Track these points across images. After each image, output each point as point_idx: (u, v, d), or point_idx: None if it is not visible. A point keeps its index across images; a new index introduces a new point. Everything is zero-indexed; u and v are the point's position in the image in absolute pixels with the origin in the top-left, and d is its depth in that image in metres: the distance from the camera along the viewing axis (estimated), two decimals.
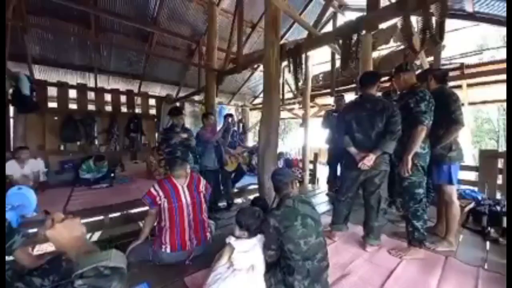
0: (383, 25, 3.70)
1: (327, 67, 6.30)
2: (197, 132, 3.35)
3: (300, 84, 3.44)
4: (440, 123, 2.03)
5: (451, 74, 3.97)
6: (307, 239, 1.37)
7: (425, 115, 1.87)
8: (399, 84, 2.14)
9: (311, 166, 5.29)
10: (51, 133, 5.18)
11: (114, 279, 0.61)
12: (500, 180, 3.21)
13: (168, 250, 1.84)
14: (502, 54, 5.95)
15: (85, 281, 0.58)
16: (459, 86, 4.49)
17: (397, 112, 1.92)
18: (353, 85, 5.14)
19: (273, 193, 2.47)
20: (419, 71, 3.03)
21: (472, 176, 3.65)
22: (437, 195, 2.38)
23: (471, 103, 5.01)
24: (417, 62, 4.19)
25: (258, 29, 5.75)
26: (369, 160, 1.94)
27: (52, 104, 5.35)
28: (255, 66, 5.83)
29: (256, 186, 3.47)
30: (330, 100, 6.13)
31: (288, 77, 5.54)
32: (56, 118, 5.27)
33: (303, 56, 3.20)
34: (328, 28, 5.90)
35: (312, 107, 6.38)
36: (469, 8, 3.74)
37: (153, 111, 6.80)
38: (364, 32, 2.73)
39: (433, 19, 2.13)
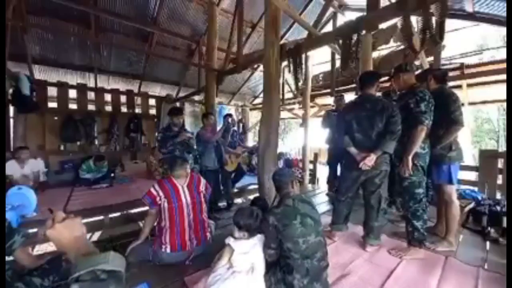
0: (383, 25, 3.69)
1: (327, 67, 6.30)
2: (197, 132, 3.35)
3: (300, 84, 3.44)
4: (440, 123, 2.03)
5: (451, 74, 3.98)
6: (305, 238, 1.37)
7: (425, 115, 1.87)
8: (398, 84, 2.14)
9: (311, 166, 5.29)
10: (51, 133, 5.18)
11: (110, 283, 0.59)
12: (500, 180, 3.21)
13: (168, 250, 1.84)
14: (502, 54, 5.95)
15: (81, 285, 0.57)
16: (459, 86, 4.49)
17: (397, 112, 1.92)
18: (353, 85, 5.14)
19: (273, 193, 2.48)
20: (419, 71, 3.03)
21: (472, 176, 3.65)
22: (437, 195, 2.38)
23: (471, 103, 5.01)
24: (417, 62, 4.19)
25: (258, 29, 5.75)
26: (370, 160, 1.94)
27: (52, 104, 5.35)
28: (255, 66, 5.83)
29: (256, 186, 3.47)
30: (330, 100, 6.12)
31: (288, 77, 5.54)
32: (56, 118, 5.27)
33: (303, 56, 3.20)
34: (328, 28, 5.90)
35: (312, 107, 6.38)
36: (469, 8, 3.74)
37: (153, 111, 6.81)
38: (364, 32, 2.72)
39: (433, 19, 2.13)
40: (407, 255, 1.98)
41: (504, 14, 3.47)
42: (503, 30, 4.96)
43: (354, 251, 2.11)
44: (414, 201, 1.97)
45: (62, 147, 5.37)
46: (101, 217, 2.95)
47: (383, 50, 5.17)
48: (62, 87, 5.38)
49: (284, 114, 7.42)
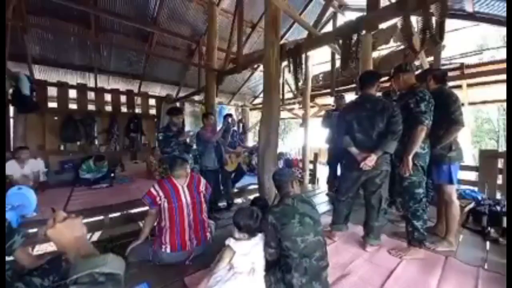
0: (383, 25, 3.69)
1: (327, 67, 6.30)
2: (197, 132, 3.35)
3: (300, 84, 3.45)
4: (440, 123, 2.02)
5: (451, 74, 3.99)
6: (304, 237, 1.37)
7: (425, 115, 1.87)
8: (398, 84, 2.14)
9: (311, 166, 5.28)
10: (51, 133, 5.18)
11: (108, 286, 0.59)
12: (500, 180, 3.21)
13: (168, 250, 1.84)
14: (502, 54, 5.95)
15: None
16: (459, 86, 4.49)
17: (398, 112, 1.92)
18: (353, 85, 5.14)
19: (273, 193, 2.48)
20: (419, 71, 3.03)
21: (472, 176, 3.64)
22: (437, 195, 2.38)
23: (471, 103, 5.01)
24: (417, 62, 4.19)
25: (258, 29, 5.75)
26: (370, 161, 1.94)
27: (52, 104, 5.35)
28: (255, 66, 5.83)
29: (256, 186, 3.47)
30: (330, 100, 6.12)
31: (288, 77, 5.54)
32: (56, 118, 5.27)
33: (303, 56, 3.20)
34: (328, 28, 5.90)
35: (312, 107, 6.38)
36: (469, 8, 3.74)
37: (153, 111, 6.81)
38: (364, 32, 2.72)
39: (433, 19, 2.13)
40: (407, 255, 1.98)
41: (504, 14, 3.47)
42: (503, 30, 4.96)
43: (354, 251, 2.11)
44: (414, 201, 1.96)
45: (62, 147, 5.37)
46: (101, 217, 2.95)
47: (383, 50, 5.17)
48: (62, 87, 5.38)
49: (284, 114, 7.42)
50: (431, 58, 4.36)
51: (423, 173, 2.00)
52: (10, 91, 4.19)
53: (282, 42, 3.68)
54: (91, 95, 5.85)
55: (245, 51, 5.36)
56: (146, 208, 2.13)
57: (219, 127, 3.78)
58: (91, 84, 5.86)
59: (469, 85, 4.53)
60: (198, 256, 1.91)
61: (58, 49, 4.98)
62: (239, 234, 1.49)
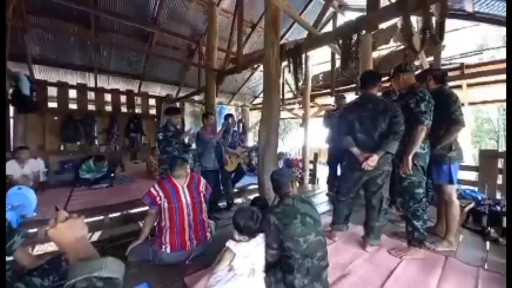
0: (383, 25, 3.69)
1: (327, 67, 6.30)
2: (197, 132, 3.35)
3: (300, 84, 3.45)
4: (440, 123, 2.02)
5: (451, 74, 3.99)
6: (306, 237, 1.37)
7: (425, 115, 1.87)
8: (398, 84, 2.14)
9: (311, 166, 5.28)
10: (51, 133, 5.18)
11: None
12: (500, 180, 3.21)
13: (168, 250, 1.84)
14: (502, 54, 5.95)
15: None
16: (459, 86, 4.49)
17: (400, 112, 1.91)
18: (353, 85, 5.14)
19: (273, 193, 2.47)
20: (419, 71, 3.03)
21: (472, 176, 3.64)
22: (437, 195, 2.38)
23: (471, 103, 5.01)
24: (417, 62, 4.19)
25: (258, 29, 5.75)
26: (372, 161, 1.93)
27: (52, 104, 5.35)
28: (255, 66, 5.83)
29: (256, 186, 3.47)
30: (330, 100, 6.12)
31: (288, 77, 5.54)
32: (56, 118, 5.27)
33: (303, 56, 3.21)
34: (328, 28, 5.90)
35: (312, 107, 6.38)
36: (469, 8, 3.74)
37: (153, 111, 6.81)
38: (364, 32, 2.72)
39: (433, 19, 2.13)
40: (407, 255, 1.97)
41: (504, 14, 3.47)
42: (503, 30, 4.96)
43: (354, 251, 2.11)
44: (414, 201, 1.96)
45: (62, 147, 5.37)
46: (101, 217, 2.95)
47: (383, 50, 5.17)
48: (62, 87, 5.38)
49: (284, 114, 7.42)
50: (431, 58, 4.37)
51: (423, 173, 2.00)
52: (10, 91, 4.19)
53: (282, 42, 3.68)
54: (91, 95, 5.85)
55: (245, 51, 5.36)
56: (146, 208, 2.13)
57: (219, 127, 3.78)
58: (91, 84, 5.86)
59: (469, 85, 4.53)
60: (198, 256, 1.91)
61: (58, 49, 4.98)
62: (239, 236, 1.47)
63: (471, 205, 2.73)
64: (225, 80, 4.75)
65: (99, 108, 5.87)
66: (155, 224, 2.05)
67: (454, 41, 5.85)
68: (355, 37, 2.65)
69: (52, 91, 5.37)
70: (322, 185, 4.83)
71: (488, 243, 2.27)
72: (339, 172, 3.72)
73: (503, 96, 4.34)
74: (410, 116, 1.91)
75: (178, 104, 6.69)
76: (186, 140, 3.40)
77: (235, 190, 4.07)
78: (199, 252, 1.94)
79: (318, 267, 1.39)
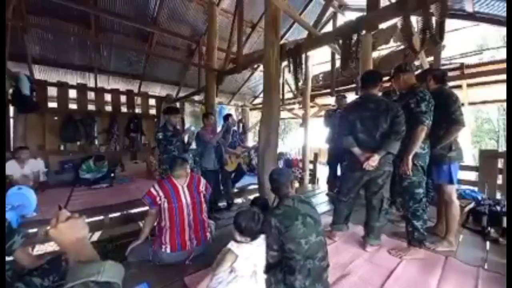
0: (383, 25, 3.70)
1: (327, 67, 6.30)
2: (197, 132, 3.35)
3: (300, 84, 3.45)
4: (440, 123, 2.02)
5: (451, 74, 3.99)
6: (307, 238, 1.36)
7: (425, 115, 1.87)
8: (398, 84, 2.14)
9: (311, 166, 5.29)
10: (51, 133, 5.18)
11: None
12: (500, 180, 3.21)
13: (168, 250, 1.84)
14: (502, 54, 5.95)
15: None
16: (459, 86, 4.49)
17: (401, 112, 1.91)
18: (353, 85, 5.14)
19: (273, 193, 2.47)
20: (419, 71, 3.03)
21: (472, 176, 3.64)
22: (437, 195, 2.38)
23: (471, 103, 5.01)
24: (417, 62, 4.19)
25: (258, 29, 5.75)
26: (373, 161, 1.93)
27: (52, 104, 5.35)
28: (255, 66, 5.83)
29: (256, 186, 3.47)
30: (330, 100, 6.13)
31: (288, 77, 5.53)
32: (56, 118, 5.27)
33: (303, 56, 3.20)
34: (328, 28, 5.90)
35: (312, 107, 6.38)
36: (469, 8, 3.74)
37: (153, 111, 6.80)
38: (364, 32, 2.73)
39: (433, 19, 2.13)
40: (407, 255, 1.98)
41: (504, 14, 3.47)
42: (503, 30, 4.96)
43: (354, 251, 2.11)
44: (414, 201, 1.96)
45: (62, 147, 5.36)
46: (101, 217, 2.95)
47: (383, 50, 5.17)
48: (62, 87, 5.38)
49: (284, 114, 7.42)
50: (431, 58, 4.37)
51: (423, 173, 2.00)
52: (10, 91, 4.19)
53: (282, 42, 3.68)
54: (91, 95, 5.84)
55: (245, 51, 5.36)
56: (146, 208, 2.13)
57: (219, 127, 3.78)
58: (91, 84, 5.85)
59: (469, 85, 4.53)
60: (198, 256, 1.91)
61: (58, 49, 4.98)
62: (241, 237, 1.45)
63: (471, 205, 2.73)
64: (225, 80, 4.74)
65: (99, 108, 5.86)
66: (155, 224, 2.05)
67: (454, 41, 5.85)
68: (355, 37, 2.64)
69: (52, 91, 5.36)
70: (322, 185, 4.83)
71: (488, 243, 2.27)
72: (339, 172, 3.73)
73: (503, 96, 4.34)
74: (410, 116, 1.91)
75: (178, 104, 6.69)
76: (186, 138, 3.40)
77: (235, 190, 4.07)
78: (199, 252, 1.94)
79: (319, 268, 1.39)
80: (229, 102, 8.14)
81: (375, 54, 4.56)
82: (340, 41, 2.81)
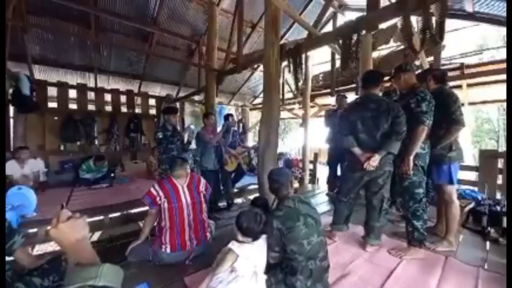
0: (383, 25, 3.69)
1: (327, 67, 6.30)
2: (197, 132, 3.35)
3: (300, 84, 3.45)
4: (440, 123, 2.03)
5: (451, 74, 3.99)
6: (309, 239, 1.36)
7: (426, 115, 1.87)
8: (399, 84, 2.14)
9: (311, 166, 5.29)
10: (51, 133, 5.18)
11: None
12: (500, 180, 3.21)
13: (168, 250, 1.84)
14: (502, 54, 5.95)
15: None
16: (459, 86, 4.49)
17: (402, 113, 1.90)
18: (353, 85, 5.14)
19: None
20: (419, 71, 3.03)
21: (472, 176, 3.64)
22: (437, 195, 2.38)
23: (471, 103, 5.01)
24: (417, 62, 4.19)
25: (258, 29, 5.75)
26: (374, 161, 1.93)
27: (52, 104, 5.34)
28: (255, 66, 5.83)
29: (256, 186, 3.47)
30: (330, 100, 6.13)
31: (288, 77, 5.54)
32: (56, 118, 5.26)
33: (303, 56, 3.21)
34: (328, 28, 5.90)
35: (312, 107, 6.38)
36: (469, 8, 3.74)
37: (153, 111, 6.80)
38: (364, 32, 2.72)
39: (433, 19, 2.13)
40: (407, 255, 1.98)
41: (504, 14, 3.47)
42: (503, 30, 4.96)
43: (354, 251, 2.11)
44: (414, 201, 1.96)
45: (62, 147, 5.36)
46: (101, 217, 2.95)
47: (383, 50, 5.17)
48: (62, 87, 5.37)
49: (284, 114, 7.42)
50: (431, 58, 4.37)
51: (423, 173, 2.00)
52: (10, 91, 4.19)
53: (282, 42, 3.68)
54: (91, 95, 5.84)
55: (245, 51, 5.36)
56: (146, 208, 2.13)
57: (219, 127, 3.78)
58: (91, 84, 5.85)
59: (469, 85, 4.53)
60: (198, 256, 1.91)
61: (58, 49, 4.98)
62: (242, 237, 1.45)
63: (471, 205, 2.73)
64: (225, 80, 4.74)
65: (99, 108, 5.86)
66: (155, 224, 2.05)
67: (454, 41, 5.85)
68: (355, 37, 2.65)
69: (52, 91, 5.36)
70: (322, 185, 4.83)
71: (488, 243, 2.27)
72: (339, 172, 3.73)
73: (503, 96, 4.34)
74: (410, 116, 1.91)
75: (178, 104, 6.69)
76: (186, 137, 3.41)
77: (235, 190, 4.07)
78: (199, 252, 1.94)
79: (321, 268, 1.39)
80: (229, 102, 8.14)
81: (375, 54, 4.55)
82: (340, 41, 2.81)
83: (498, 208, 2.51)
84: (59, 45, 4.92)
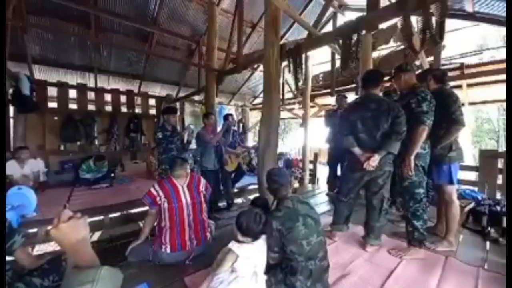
0: (383, 25, 3.69)
1: (327, 67, 6.30)
2: (198, 132, 3.35)
3: (300, 84, 3.45)
4: (440, 123, 2.02)
5: (451, 74, 3.99)
6: (309, 239, 1.36)
7: (426, 115, 1.86)
8: (399, 84, 2.14)
9: (311, 166, 5.28)
10: (51, 133, 5.18)
11: None
12: (500, 180, 3.21)
13: (168, 250, 1.84)
14: (502, 54, 5.95)
15: None
16: (459, 86, 4.49)
17: (402, 113, 1.90)
18: (353, 85, 5.14)
19: None
20: (419, 71, 3.03)
21: (472, 176, 3.64)
22: (437, 195, 2.38)
23: (471, 103, 5.01)
24: (417, 62, 4.19)
25: (258, 29, 5.75)
26: (374, 161, 1.92)
27: (52, 104, 5.34)
28: (255, 66, 5.83)
29: (256, 186, 3.47)
30: (330, 100, 6.13)
31: (288, 77, 5.54)
32: (56, 118, 5.26)
33: (303, 56, 3.20)
34: (328, 28, 5.90)
35: (312, 107, 6.38)
36: (469, 8, 3.74)
37: (153, 111, 6.80)
38: (364, 32, 2.72)
39: (433, 19, 2.13)
40: (407, 255, 1.98)
41: (504, 14, 3.47)
42: (503, 30, 4.95)
43: (354, 251, 2.11)
44: (414, 201, 1.96)
45: (62, 147, 5.36)
46: (101, 217, 2.95)
47: (383, 50, 5.17)
48: (62, 87, 5.37)
49: (284, 114, 7.42)
50: (431, 58, 4.37)
51: (424, 173, 2.00)
52: (10, 91, 4.19)
53: (282, 42, 3.68)
54: (91, 95, 5.84)
55: (245, 51, 5.36)
56: (146, 208, 2.13)
57: (219, 127, 3.78)
58: (91, 84, 5.85)
59: (469, 85, 4.53)
60: (198, 256, 1.91)
61: (58, 49, 4.98)
62: (242, 237, 1.45)
63: (471, 205, 2.73)
64: (225, 80, 4.74)
65: (99, 108, 5.86)
66: (155, 224, 2.05)
67: (454, 41, 5.84)
68: (355, 37, 2.64)
69: (52, 91, 5.36)
70: (322, 185, 4.83)
71: (488, 243, 2.27)
72: (339, 172, 3.73)
73: (503, 96, 4.34)
74: (411, 116, 1.91)
75: (178, 104, 6.69)
76: (186, 136, 3.40)
77: (235, 190, 4.07)
78: (199, 252, 1.94)
79: (320, 268, 1.39)
80: (229, 102, 8.14)
81: (375, 54, 4.55)
82: (340, 41, 2.81)
83: (498, 208, 2.51)
84: (59, 45, 4.92)
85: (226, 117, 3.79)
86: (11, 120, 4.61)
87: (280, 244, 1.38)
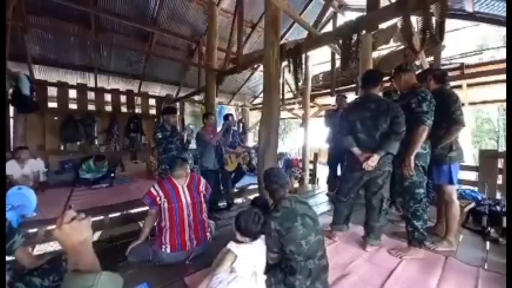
0: (383, 25, 3.69)
1: (327, 67, 6.30)
2: (198, 132, 3.35)
3: (300, 84, 3.45)
4: (440, 123, 2.02)
5: (451, 74, 3.99)
6: (307, 239, 1.36)
7: (426, 115, 1.86)
8: (399, 84, 2.14)
9: (311, 166, 5.29)
10: (51, 133, 5.18)
11: None
12: (500, 180, 3.21)
13: (168, 250, 1.84)
14: (502, 54, 5.95)
15: None
16: (459, 86, 4.49)
17: (402, 113, 1.90)
18: (353, 85, 5.14)
19: None
20: (419, 71, 3.03)
21: (472, 176, 3.64)
22: (437, 195, 2.38)
23: (471, 103, 5.01)
24: (417, 62, 4.19)
25: (258, 29, 5.75)
26: (373, 161, 1.93)
27: (52, 104, 5.34)
28: (255, 66, 5.83)
29: (256, 186, 3.47)
30: (330, 100, 6.13)
31: (288, 77, 5.54)
32: (56, 118, 5.26)
33: (303, 56, 3.20)
34: (328, 28, 5.90)
35: (312, 107, 6.38)
36: (469, 8, 3.74)
37: (153, 111, 6.80)
38: (364, 32, 2.73)
39: (433, 19, 2.13)
40: (407, 255, 1.98)
41: (504, 14, 3.47)
42: (503, 30, 4.96)
43: (354, 251, 2.11)
44: (415, 201, 1.96)
45: (62, 147, 5.36)
46: (101, 217, 2.95)
47: (383, 50, 5.17)
48: (62, 87, 5.37)
49: (284, 114, 7.42)
50: (431, 58, 4.37)
51: (424, 173, 2.00)
52: (10, 91, 4.19)
53: (282, 42, 3.68)
54: (91, 95, 5.84)
55: (245, 51, 5.36)
56: (146, 208, 2.13)
57: (219, 127, 3.78)
58: (91, 84, 5.85)
59: (469, 85, 4.53)
60: (198, 256, 1.91)
61: (58, 49, 4.98)
62: (241, 237, 1.45)
63: (471, 205, 2.73)
64: (225, 80, 4.75)
65: (99, 108, 5.86)
66: (155, 224, 2.05)
67: (454, 41, 5.85)
68: (355, 37, 2.65)
69: (52, 91, 5.36)
70: (322, 185, 4.83)
71: (488, 243, 2.27)
72: (339, 172, 3.73)
73: (503, 96, 4.34)
74: (411, 116, 1.91)
75: (178, 104, 6.69)
76: (185, 136, 3.40)
77: (235, 190, 4.07)
78: (199, 252, 1.94)
79: (319, 267, 1.39)
80: (229, 102, 8.14)
81: (375, 54, 4.55)
82: (340, 41, 2.81)
83: (498, 208, 2.51)
84: (59, 45, 4.92)
85: (226, 117, 3.79)
86: (11, 120, 4.61)
87: (279, 244, 1.38)
